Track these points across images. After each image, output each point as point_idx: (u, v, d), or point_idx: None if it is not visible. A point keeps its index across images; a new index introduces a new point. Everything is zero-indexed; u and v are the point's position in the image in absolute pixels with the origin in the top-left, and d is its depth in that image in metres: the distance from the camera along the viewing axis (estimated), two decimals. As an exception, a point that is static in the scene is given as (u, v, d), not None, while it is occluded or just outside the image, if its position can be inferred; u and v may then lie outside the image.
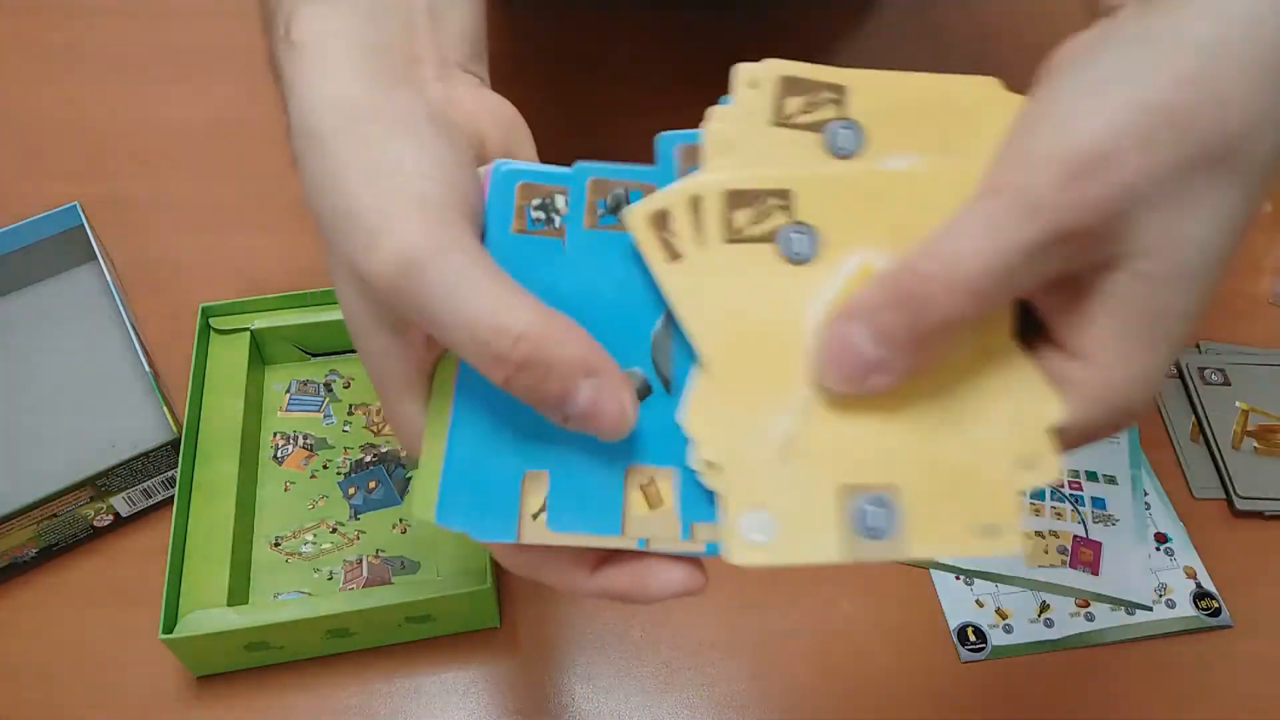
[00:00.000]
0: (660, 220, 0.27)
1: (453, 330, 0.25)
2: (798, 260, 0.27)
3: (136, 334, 0.53)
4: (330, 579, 0.48)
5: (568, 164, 0.29)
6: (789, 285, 0.27)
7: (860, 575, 0.50)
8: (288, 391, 0.55)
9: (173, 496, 0.49)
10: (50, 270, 0.59)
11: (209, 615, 0.44)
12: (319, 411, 0.54)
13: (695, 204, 0.27)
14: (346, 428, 0.54)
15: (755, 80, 0.27)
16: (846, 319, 0.25)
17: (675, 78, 0.70)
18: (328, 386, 0.55)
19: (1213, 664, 0.48)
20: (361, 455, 0.52)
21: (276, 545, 0.49)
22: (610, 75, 0.71)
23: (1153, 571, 0.50)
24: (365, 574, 0.48)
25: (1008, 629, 0.48)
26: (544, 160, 0.30)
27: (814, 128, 0.27)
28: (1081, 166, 0.23)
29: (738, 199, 0.27)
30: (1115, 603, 0.49)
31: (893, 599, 0.49)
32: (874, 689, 0.47)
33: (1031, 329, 0.27)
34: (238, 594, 0.46)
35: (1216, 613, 0.49)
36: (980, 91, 0.27)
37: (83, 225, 0.57)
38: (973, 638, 0.48)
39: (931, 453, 0.26)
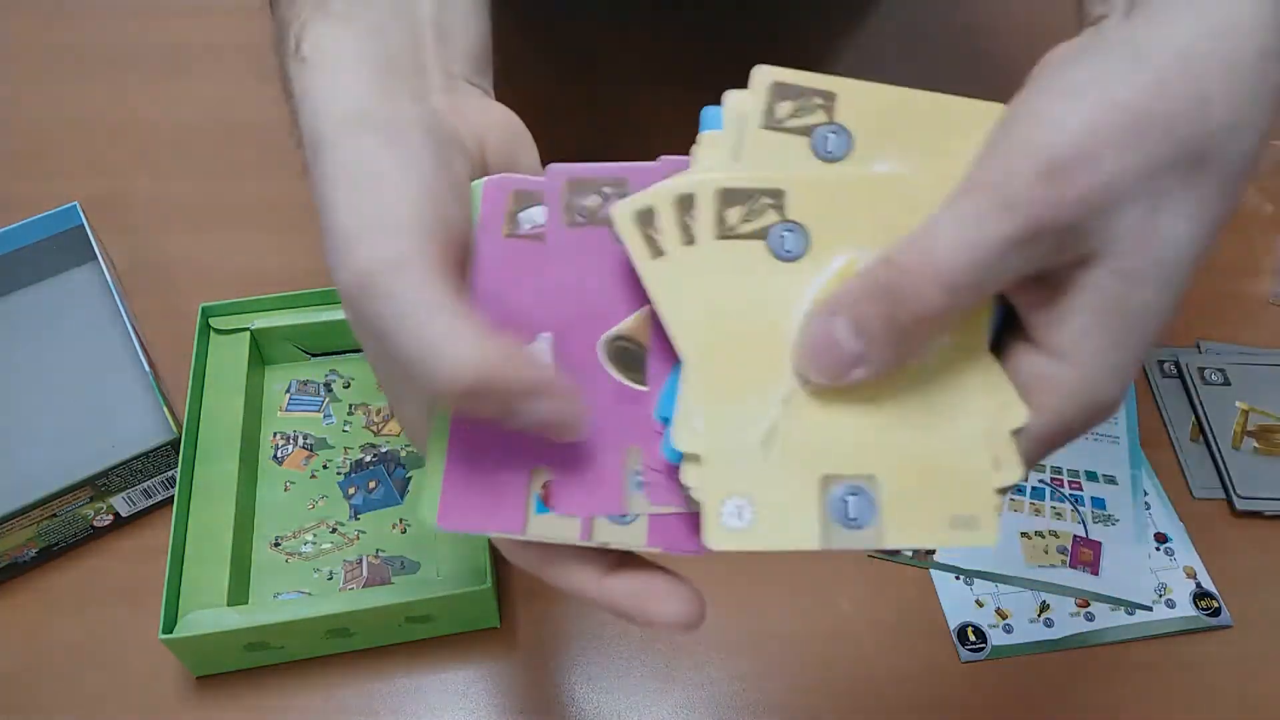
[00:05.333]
0: (646, 218, 0.27)
1: (401, 354, 0.25)
2: (787, 258, 0.27)
3: (136, 334, 0.53)
4: (330, 579, 0.48)
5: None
6: (777, 282, 0.27)
7: (860, 575, 0.50)
8: (288, 391, 0.55)
9: (173, 496, 0.49)
10: (50, 270, 0.59)
11: (209, 615, 0.44)
12: (319, 411, 0.54)
13: (683, 202, 0.27)
14: (346, 428, 0.54)
15: (744, 99, 0.28)
16: (827, 312, 0.25)
17: (675, 78, 0.70)
18: (328, 386, 0.55)
19: (1213, 664, 0.48)
20: (361, 455, 0.52)
21: (276, 545, 0.49)
22: (610, 75, 0.71)
23: (1153, 571, 0.50)
24: (365, 574, 0.48)
25: (1008, 629, 0.48)
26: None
27: (802, 131, 0.27)
28: (1057, 164, 0.24)
29: (730, 197, 0.27)
30: (1115, 603, 0.49)
31: (893, 599, 0.49)
32: (874, 689, 0.47)
33: (1015, 328, 0.27)
34: (238, 594, 0.46)
35: (1216, 613, 0.49)
36: (967, 106, 0.27)
37: (83, 225, 0.57)
38: (973, 638, 0.48)
39: (910, 446, 0.26)
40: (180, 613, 0.44)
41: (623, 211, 0.27)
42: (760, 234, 0.27)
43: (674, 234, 0.27)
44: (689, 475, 0.26)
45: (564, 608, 0.49)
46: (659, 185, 0.27)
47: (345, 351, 0.56)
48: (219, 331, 0.53)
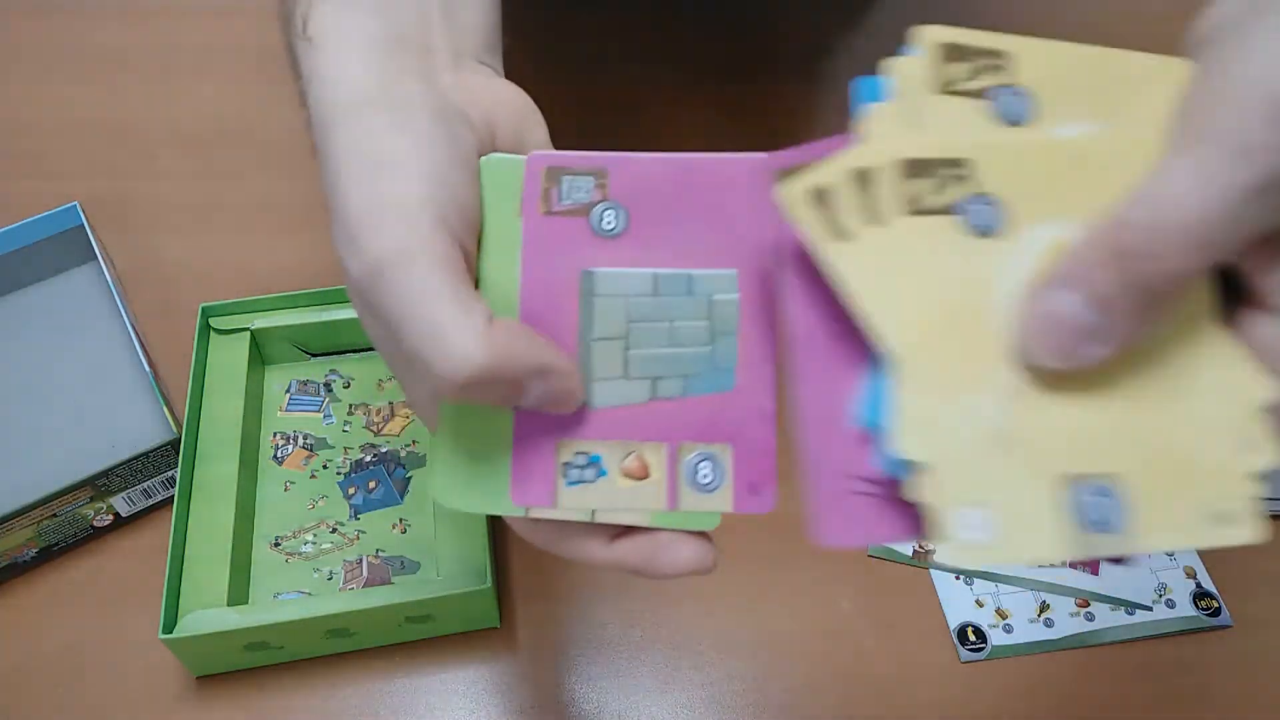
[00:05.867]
0: (822, 197, 0.24)
1: (407, 345, 0.25)
2: (983, 233, 0.25)
3: (136, 334, 0.53)
4: (330, 579, 0.48)
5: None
6: (976, 260, 0.24)
7: (860, 575, 0.50)
8: (288, 391, 0.55)
9: (173, 496, 0.49)
10: (50, 270, 0.59)
11: (209, 615, 0.44)
12: (319, 411, 0.54)
13: (863, 177, 0.24)
14: (346, 428, 0.54)
15: (911, 64, 0.25)
16: (1055, 285, 0.23)
17: (675, 77, 0.70)
18: (328, 386, 0.55)
19: (1213, 664, 0.48)
20: (361, 455, 0.52)
21: (276, 545, 0.49)
22: (612, 69, 0.71)
23: (1153, 571, 0.50)
24: (365, 574, 0.48)
25: (1008, 629, 0.48)
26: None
27: (980, 95, 0.25)
28: None
29: (914, 168, 0.25)
30: (1115, 603, 0.49)
31: (893, 599, 0.49)
32: (874, 689, 0.47)
33: (1234, 298, 0.25)
34: (238, 594, 0.46)
35: (1216, 613, 0.49)
36: (1147, 61, 0.26)
37: (83, 225, 0.57)
38: (973, 638, 0.48)
39: (1151, 435, 0.24)
40: (180, 613, 0.44)
41: (794, 191, 0.24)
42: (950, 208, 0.25)
43: (859, 214, 0.24)
44: (920, 488, 0.24)
45: (564, 607, 0.49)
46: (831, 160, 0.24)
47: (345, 351, 0.56)
48: (219, 331, 0.53)
